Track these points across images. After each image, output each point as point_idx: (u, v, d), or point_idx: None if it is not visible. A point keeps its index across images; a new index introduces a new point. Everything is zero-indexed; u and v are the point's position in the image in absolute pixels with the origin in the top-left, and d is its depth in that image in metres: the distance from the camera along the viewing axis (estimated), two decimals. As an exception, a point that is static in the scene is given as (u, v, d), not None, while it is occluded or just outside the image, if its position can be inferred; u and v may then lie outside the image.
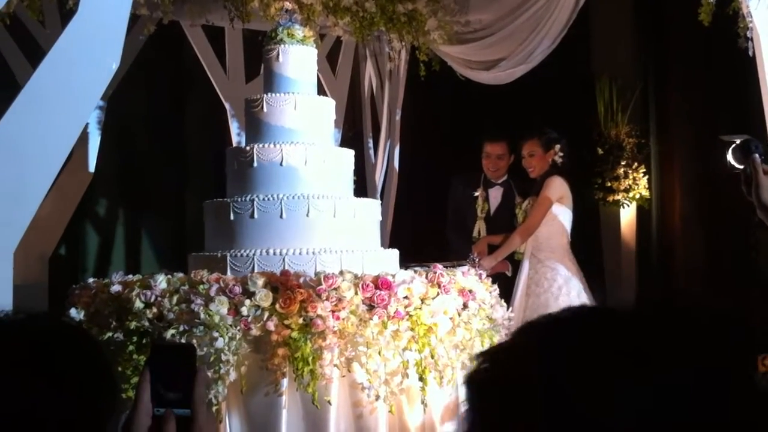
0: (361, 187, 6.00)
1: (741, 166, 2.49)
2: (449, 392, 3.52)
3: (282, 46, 4.36)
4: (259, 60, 5.97)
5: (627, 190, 6.62)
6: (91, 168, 5.96)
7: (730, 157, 2.55)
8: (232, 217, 3.91)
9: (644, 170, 6.73)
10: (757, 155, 2.47)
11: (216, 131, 6.70)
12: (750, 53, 4.28)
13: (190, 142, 7.25)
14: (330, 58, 6.47)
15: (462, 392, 3.54)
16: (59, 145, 2.78)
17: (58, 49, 2.77)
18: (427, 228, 6.26)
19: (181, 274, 3.58)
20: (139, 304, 3.31)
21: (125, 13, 2.91)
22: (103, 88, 2.89)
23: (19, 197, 2.67)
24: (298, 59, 4.39)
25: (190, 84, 6.96)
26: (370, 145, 6.60)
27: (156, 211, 7.15)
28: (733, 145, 2.54)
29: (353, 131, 6.78)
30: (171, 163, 7.13)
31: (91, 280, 3.79)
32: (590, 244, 6.47)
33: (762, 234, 5.39)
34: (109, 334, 3.29)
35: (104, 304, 3.43)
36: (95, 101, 2.86)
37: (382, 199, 5.94)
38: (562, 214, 4.99)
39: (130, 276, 3.70)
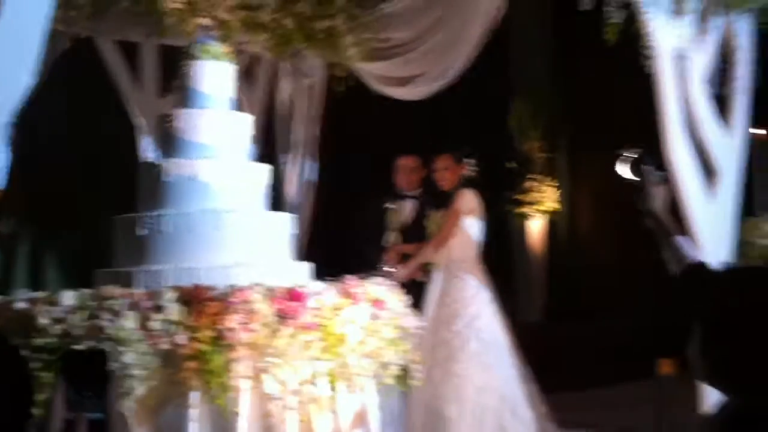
0: (278, 202, 6.04)
1: (636, 178, 2.67)
2: (358, 400, 3.59)
3: (197, 62, 4.38)
4: (174, 75, 5.97)
5: (533, 203, 6.84)
6: (1, 184, 5.84)
7: (626, 169, 2.72)
8: (142, 232, 3.91)
9: (555, 183, 6.97)
10: (648, 167, 2.65)
11: (130, 146, 6.64)
12: (649, 71, 4.49)
13: (103, 157, 7.16)
14: (248, 74, 6.49)
15: (372, 399, 3.63)
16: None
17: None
18: (343, 241, 6.34)
19: (89, 290, 3.56)
20: (45, 321, 3.28)
21: (41, 30, 2.91)
22: (15, 104, 2.88)
23: None
24: (214, 75, 4.42)
25: (105, 97, 6.88)
26: (286, 159, 6.63)
27: (64, 228, 7.04)
28: (629, 159, 2.72)
29: (270, 145, 6.81)
30: (83, 179, 7.04)
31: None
32: (501, 253, 6.65)
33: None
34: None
35: (9, 321, 3.39)
36: (6, 116, 2.85)
37: (299, 214, 5.98)
38: (473, 226, 5.13)
39: (36, 294, 3.66)
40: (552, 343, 6.56)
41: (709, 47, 4.55)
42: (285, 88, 6.70)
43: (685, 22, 4.51)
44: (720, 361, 1.80)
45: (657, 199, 2.61)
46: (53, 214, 6.96)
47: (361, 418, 3.58)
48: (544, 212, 6.90)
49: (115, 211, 4.49)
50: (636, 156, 2.72)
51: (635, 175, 2.70)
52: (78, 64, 6.23)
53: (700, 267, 2.42)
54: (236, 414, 3.27)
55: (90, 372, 1.34)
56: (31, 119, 5.93)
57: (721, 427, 1.74)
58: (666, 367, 5.19)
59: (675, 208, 3.66)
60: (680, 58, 4.49)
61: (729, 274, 2.06)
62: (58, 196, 6.92)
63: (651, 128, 4.72)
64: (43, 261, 6.95)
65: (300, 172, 6.54)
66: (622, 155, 2.76)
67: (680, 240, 2.54)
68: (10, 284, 6.46)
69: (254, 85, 6.55)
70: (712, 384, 2.06)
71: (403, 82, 6.27)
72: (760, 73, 4.65)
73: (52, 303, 3.39)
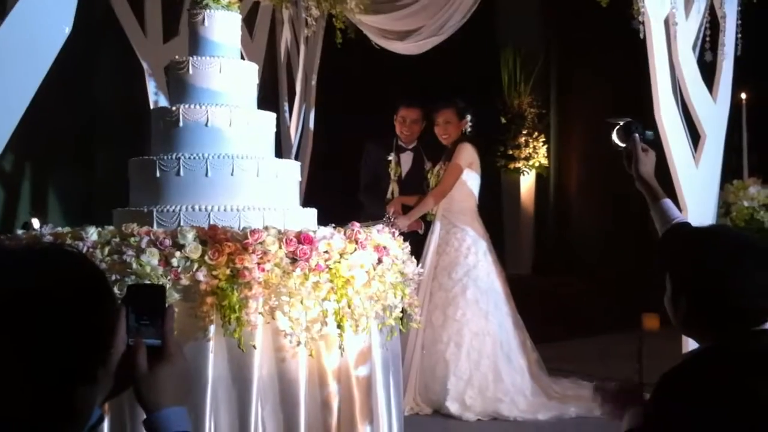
0: (277, 149, 6.19)
1: (623, 145, 2.87)
2: (363, 339, 3.82)
3: (207, 10, 4.47)
4: (176, 20, 6.06)
5: (527, 158, 7.04)
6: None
7: (614, 136, 2.91)
8: (158, 174, 4.06)
9: (544, 139, 7.17)
10: (636, 135, 2.85)
11: (126, 89, 6.73)
12: (641, 36, 4.67)
13: (98, 100, 7.24)
14: (247, 22, 6.58)
15: (375, 339, 3.87)
16: (16, 105, 2.91)
17: (16, 14, 2.90)
18: (340, 189, 6.51)
19: (111, 227, 3.72)
20: (72, 255, 3.43)
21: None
22: (57, 51, 3.01)
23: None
24: (223, 24, 4.51)
25: (98, 42, 6.93)
26: (286, 108, 6.78)
27: (64, 166, 7.15)
28: (617, 126, 2.91)
29: (269, 94, 6.92)
30: (79, 119, 7.12)
31: (20, 231, 3.88)
32: (492, 207, 6.89)
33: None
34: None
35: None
36: (49, 63, 2.99)
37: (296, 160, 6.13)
38: (472, 179, 5.34)
39: (60, 228, 3.82)
40: (538, 296, 6.82)
41: (697, 14, 4.74)
42: (284, 37, 6.80)
43: (674, -12, 4.68)
44: (687, 312, 1.97)
45: (645, 164, 2.80)
46: (53, 152, 7.05)
47: (365, 356, 3.82)
48: (534, 168, 7.10)
49: (115, 151, 4.60)
50: (624, 123, 2.92)
51: (623, 141, 2.89)
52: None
53: (682, 227, 2.62)
54: (251, 347, 3.49)
55: (149, 303, 1.51)
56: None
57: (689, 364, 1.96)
58: (650, 321, 5.48)
59: (663, 171, 3.87)
60: (669, 24, 4.68)
61: (691, 233, 2.27)
62: (58, 134, 7.00)
63: (642, 90, 4.91)
64: (43, 198, 7.06)
65: (299, 120, 6.68)
66: (611, 122, 2.96)
67: (666, 202, 2.75)
68: (11, 220, 6.58)
69: (254, 33, 6.65)
70: (684, 333, 2.28)
71: (401, 36, 6.41)
72: (745, 39, 4.85)
73: (76, 238, 3.56)
